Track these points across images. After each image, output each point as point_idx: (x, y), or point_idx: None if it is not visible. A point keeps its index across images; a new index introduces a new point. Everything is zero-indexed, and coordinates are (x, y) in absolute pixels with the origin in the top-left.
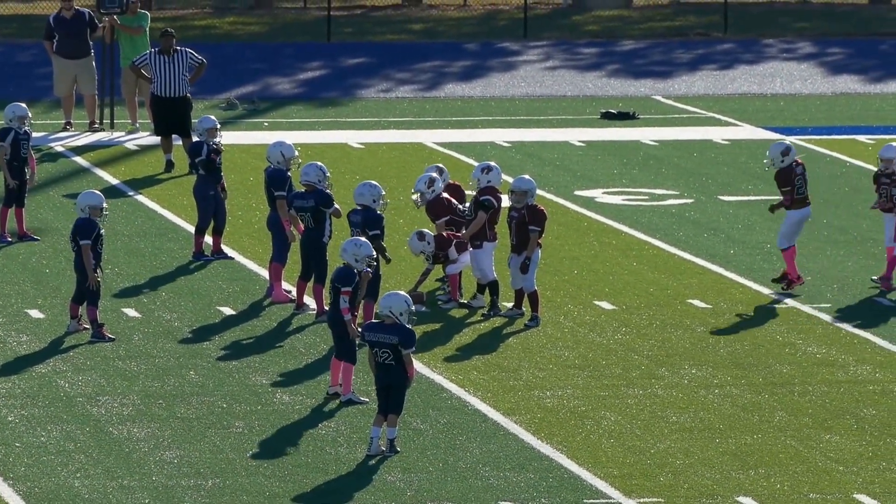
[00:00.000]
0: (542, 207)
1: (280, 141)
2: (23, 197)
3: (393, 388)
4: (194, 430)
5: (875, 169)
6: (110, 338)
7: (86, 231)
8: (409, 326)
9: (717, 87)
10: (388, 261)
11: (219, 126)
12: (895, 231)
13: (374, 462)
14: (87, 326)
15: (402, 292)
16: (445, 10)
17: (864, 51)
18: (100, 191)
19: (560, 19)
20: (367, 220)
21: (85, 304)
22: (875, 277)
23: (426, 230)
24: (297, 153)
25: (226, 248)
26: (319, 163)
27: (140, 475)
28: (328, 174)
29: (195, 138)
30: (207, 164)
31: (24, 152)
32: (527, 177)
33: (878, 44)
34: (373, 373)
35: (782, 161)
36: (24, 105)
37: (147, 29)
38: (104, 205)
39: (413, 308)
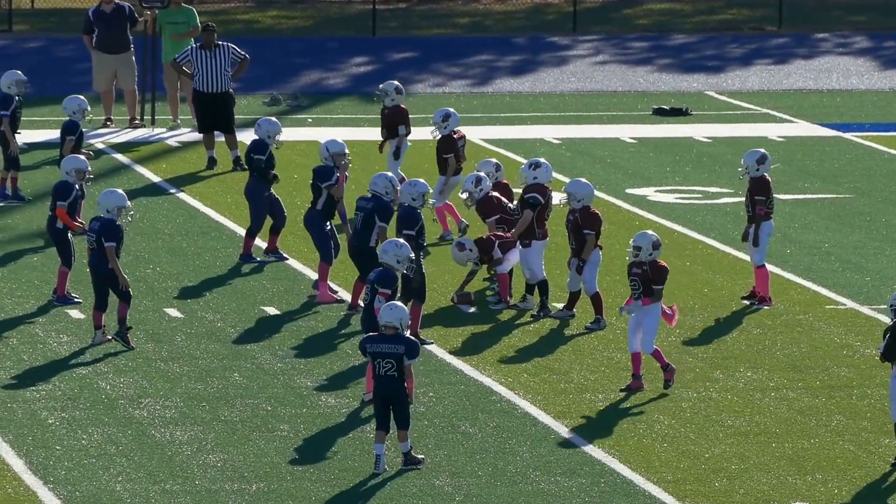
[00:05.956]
0: (596, 211)
1: (332, 139)
2: None
3: (395, 403)
4: (238, 433)
5: None
6: (131, 346)
7: (112, 232)
8: (412, 338)
9: (772, 83)
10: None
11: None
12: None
13: (421, 466)
14: (111, 337)
15: (399, 303)
16: (491, 4)
17: None
18: (140, 188)
19: (610, 13)
20: (402, 219)
21: (118, 304)
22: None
23: (465, 239)
24: (347, 151)
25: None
26: (392, 175)
27: (183, 479)
28: (398, 187)
29: (257, 136)
30: (266, 164)
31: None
32: (582, 180)
33: None
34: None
35: (757, 170)
36: (83, 98)
37: (199, 26)
38: (128, 203)
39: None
